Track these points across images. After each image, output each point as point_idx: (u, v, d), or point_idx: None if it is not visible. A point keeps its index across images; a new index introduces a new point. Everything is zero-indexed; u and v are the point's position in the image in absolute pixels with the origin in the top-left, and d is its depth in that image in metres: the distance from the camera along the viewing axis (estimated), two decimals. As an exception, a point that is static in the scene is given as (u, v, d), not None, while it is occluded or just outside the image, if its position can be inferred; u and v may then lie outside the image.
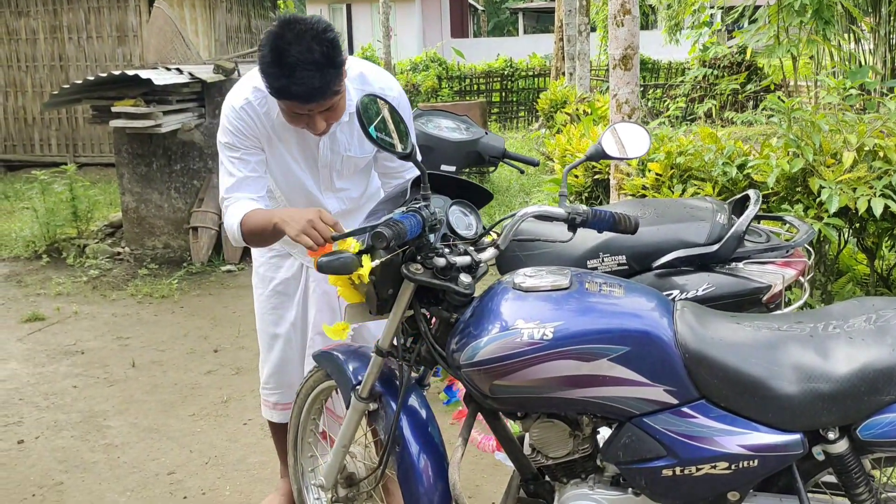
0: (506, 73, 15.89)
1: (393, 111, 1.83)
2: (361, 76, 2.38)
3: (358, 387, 2.19)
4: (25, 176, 9.77)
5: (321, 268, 1.93)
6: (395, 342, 2.07)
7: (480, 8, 37.90)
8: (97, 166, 10.16)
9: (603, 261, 2.88)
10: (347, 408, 2.24)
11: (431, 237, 1.87)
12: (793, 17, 4.94)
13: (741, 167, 3.80)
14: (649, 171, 4.11)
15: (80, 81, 5.88)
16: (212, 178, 6.27)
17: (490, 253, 2.02)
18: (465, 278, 1.94)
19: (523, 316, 1.84)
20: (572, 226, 2.04)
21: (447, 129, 3.27)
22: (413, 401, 2.20)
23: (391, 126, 1.81)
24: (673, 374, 1.79)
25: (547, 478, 2.07)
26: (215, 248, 6.22)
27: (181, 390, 3.97)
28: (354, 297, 2.04)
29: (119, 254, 6.49)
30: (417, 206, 1.85)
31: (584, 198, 5.25)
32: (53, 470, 3.25)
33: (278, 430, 2.81)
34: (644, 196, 4.16)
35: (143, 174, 6.32)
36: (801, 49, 5.48)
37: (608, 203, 4.92)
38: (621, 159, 2.35)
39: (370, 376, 2.15)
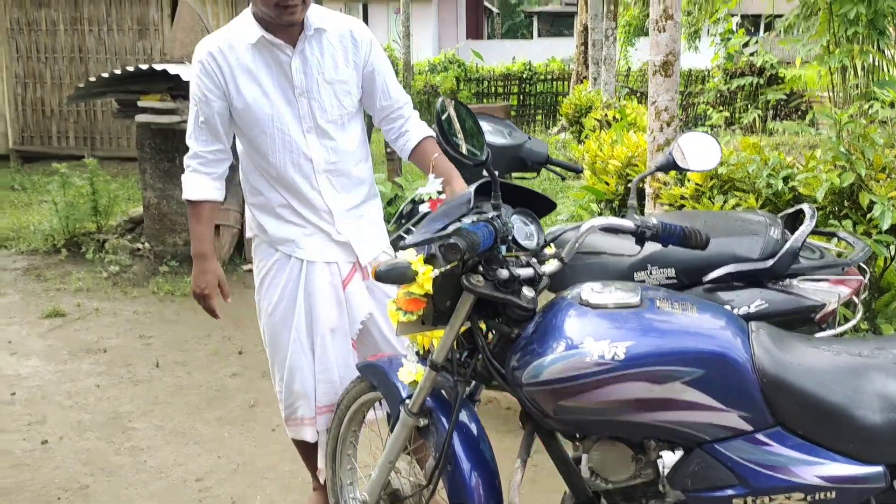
0: (524, 76, 15.81)
1: (470, 114, 1.75)
2: (327, 11, 2.46)
3: (408, 401, 2.10)
4: (43, 168, 9.75)
5: (379, 276, 1.86)
6: (450, 356, 1.99)
7: (495, 10, 37.85)
8: (115, 160, 10.11)
9: (651, 273, 2.80)
10: (395, 421, 2.16)
11: (503, 249, 1.79)
12: (845, 27, 4.85)
13: (786, 180, 3.70)
14: (689, 180, 4.02)
15: (106, 75, 5.81)
16: (234, 175, 6.17)
17: (553, 266, 1.93)
18: (527, 292, 1.86)
19: (592, 334, 1.75)
20: (640, 239, 1.95)
21: (489, 133, 3.18)
22: (464, 417, 2.12)
23: (467, 130, 1.73)
24: (748, 400, 1.70)
25: (603, 502, 1.98)
26: (237, 247, 6.14)
27: (207, 393, 3.90)
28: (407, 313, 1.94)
29: (139, 250, 6.42)
30: (489, 216, 1.76)
31: (614, 207, 5.16)
32: (78, 473, 3.17)
33: (305, 444, 2.71)
34: (682, 207, 4.07)
35: (165, 170, 6.24)
36: (854, 59, 5.38)
37: (642, 214, 4.83)
38: (692, 171, 2.25)
39: (422, 391, 2.07)
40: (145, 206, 6.40)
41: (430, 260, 1.86)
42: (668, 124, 4.27)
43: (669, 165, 2.18)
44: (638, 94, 14.06)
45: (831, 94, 7.85)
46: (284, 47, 2.36)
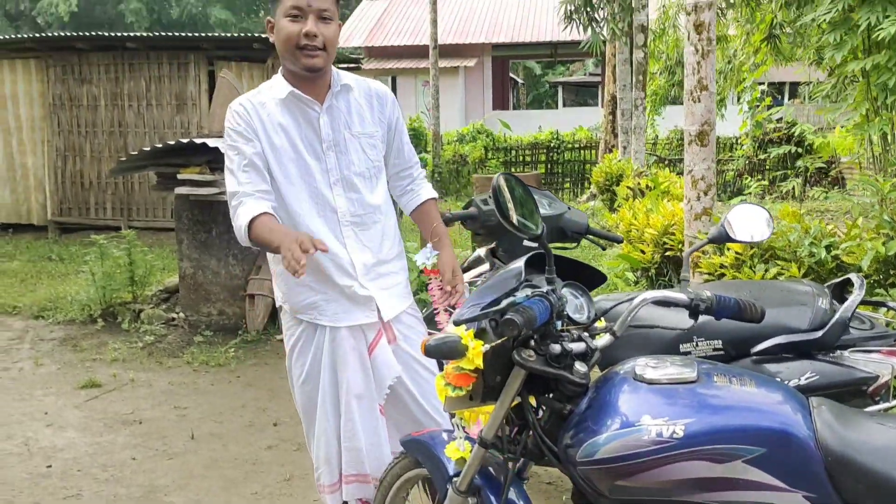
0: (552, 144, 15.96)
1: (525, 189, 1.75)
2: (352, 74, 2.58)
3: (455, 479, 2.06)
4: (80, 239, 9.93)
5: (428, 352, 1.83)
6: (500, 433, 1.95)
7: (520, 81, 38.48)
8: (150, 230, 10.27)
9: (697, 345, 2.75)
10: (442, 500, 2.11)
11: (559, 324, 1.76)
12: (884, 95, 4.87)
13: (829, 248, 3.66)
14: (728, 249, 3.99)
15: (148, 149, 5.95)
16: (269, 245, 6.25)
17: (605, 339, 1.90)
18: (580, 367, 1.83)
19: (649, 411, 1.71)
20: (694, 313, 1.92)
21: (530, 203, 3.18)
22: (513, 495, 2.06)
23: (522, 204, 1.72)
24: (813, 479, 1.64)
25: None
26: (271, 317, 6.16)
27: (242, 466, 3.85)
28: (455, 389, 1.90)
29: (174, 320, 6.46)
30: (544, 290, 1.75)
31: (651, 275, 5.12)
32: (114, 549, 3.13)
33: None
34: (722, 276, 4.03)
35: (202, 241, 6.32)
36: (893, 127, 5.37)
37: (679, 282, 4.78)
38: (744, 243, 2.23)
39: (470, 468, 2.02)
40: (181, 276, 6.46)
41: (480, 334, 1.83)
42: (706, 193, 4.26)
43: (722, 238, 2.15)
44: (667, 162, 14.12)
45: (870, 161, 7.82)
46: (312, 103, 2.44)
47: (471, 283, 3.13)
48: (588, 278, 2.04)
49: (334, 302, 2.49)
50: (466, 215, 3.04)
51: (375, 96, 2.56)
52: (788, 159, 13.39)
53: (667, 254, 4.78)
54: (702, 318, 2.36)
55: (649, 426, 1.67)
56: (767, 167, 13.48)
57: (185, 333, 6.19)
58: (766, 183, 11.04)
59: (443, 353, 1.81)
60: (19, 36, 10.95)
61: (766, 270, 3.78)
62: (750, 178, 12.02)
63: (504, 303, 1.71)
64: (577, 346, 1.84)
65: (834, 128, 13.58)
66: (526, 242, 3.12)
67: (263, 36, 9.70)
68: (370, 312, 2.53)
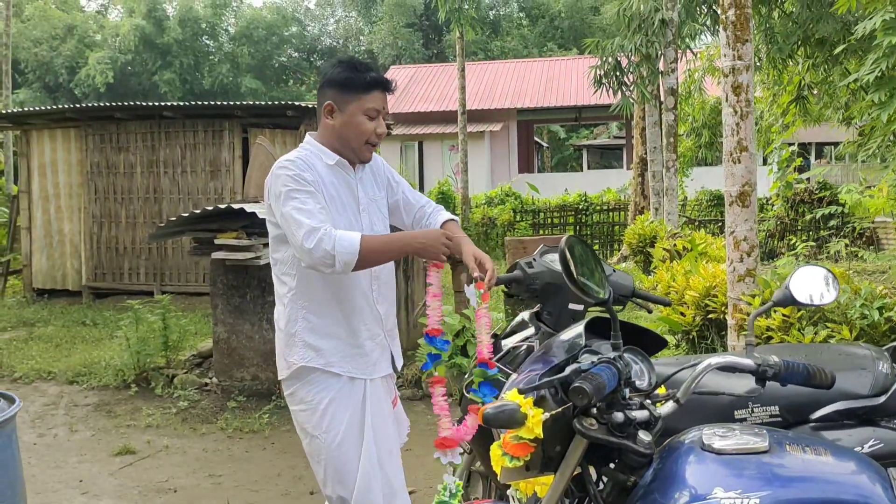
0: (580, 206, 15.97)
1: (591, 252, 1.71)
2: None
3: (511, 554, 1.97)
4: (113, 304, 10.00)
5: (487, 420, 1.78)
6: (560, 505, 1.87)
7: (545, 145, 38.82)
8: (183, 295, 10.32)
9: (753, 411, 2.66)
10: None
11: (626, 392, 1.70)
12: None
13: (881, 310, 3.57)
14: (776, 311, 3.90)
15: (186, 214, 6.01)
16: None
17: (668, 407, 1.83)
18: (644, 436, 1.76)
19: (721, 483, 1.63)
20: (761, 379, 1.85)
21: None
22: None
23: (589, 268, 1.69)
24: (897, 557, 1.55)
25: None
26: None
27: (280, 537, 3.76)
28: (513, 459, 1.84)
29: (207, 385, 6.43)
30: (611, 356, 1.69)
31: (692, 337, 5.02)
32: None
33: None
34: (770, 339, 3.93)
35: (236, 305, 6.33)
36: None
37: (722, 346, 4.69)
38: (810, 307, 2.16)
39: (528, 543, 1.94)
40: (215, 341, 6.46)
41: (539, 402, 1.78)
42: (749, 254, 4.20)
43: (787, 301, 2.09)
44: (697, 224, 14.05)
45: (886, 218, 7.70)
46: (350, 170, 2.67)
47: (514, 350, 3.07)
48: (647, 343, 1.98)
49: (367, 355, 2.62)
50: (511, 278, 3.00)
51: (372, 165, 2.78)
52: (821, 220, 13.26)
53: (709, 316, 4.69)
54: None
55: (722, 500, 1.60)
56: (799, 227, 13.35)
57: (219, 399, 6.15)
58: (811, 244, 10.90)
59: (502, 421, 1.76)
60: (60, 107, 11.23)
61: (816, 333, 3.68)
62: (795, 238, 11.87)
63: (568, 370, 1.66)
64: (641, 414, 1.77)
65: (866, 187, 13.47)
66: (572, 305, 3.09)
67: (296, 104, 9.90)
68: (388, 364, 2.70)
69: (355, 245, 2.38)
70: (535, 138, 34.53)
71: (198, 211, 5.97)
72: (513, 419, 1.76)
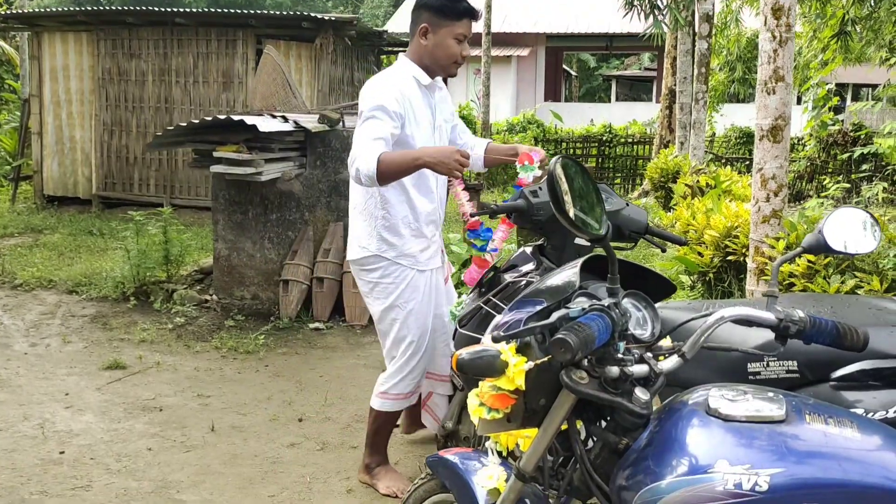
0: (604, 138, 15.51)
1: (591, 179, 1.45)
2: None
3: (488, 512, 1.77)
4: (121, 215, 9.84)
5: (461, 366, 1.55)
6: (541, 465, 1.66)
7: (574, 73, 37.85)
8: (192, 209, 10.15)
9: (768, 365, 2.42)
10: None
11: (621, 346, 1.46)
12: None
13: (917, 261, 3.28)
14: (801, 256, 3.62)
15: (184, 124, 5.75)
16: (307, 230, 6.03)
17: (672, 362, 1.60)
18: (641, 394, 1.53)
19: (726, 455, 1.40)
20: (782, 335, 1.61)
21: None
22: (553, 535, 1.77)
23: (583, 197, 1.42)
24: (928, 552, 1.32)
25: None
26: (304, 304, 5.94)
27: (262, 464, 3.62)
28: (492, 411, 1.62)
29: (206, 302, 6.28)
30: (604, 303, 1.45)
31: (708, 279, 4.76)
32: (118, 549, 2.91)
33: (384, 418, 3.29)
34: (792, 286, 3.67)
35: (237, 222, 6.13)
36: None
37: (740, 289, 4.43)
38: (846, 254, 1.89)
39: (505, 502, 1.73)
40: (216, 258, 6.28)
41: (523, 349, 1.55)
42: (776, 194, 3.90)
43: (820, 247, 1.82)
44: (724, 161, 13.60)
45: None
46: (434, 93, 3.14)
47: (512, 284, 2.84)
48: (652, 287, 1.73)
49: (428, 248, 3.17)
50: (513, 207, 2.75)
51: (445, 91, 3.25)
52: (852, 164, 12.79)
53: (728, 258, 4.42)
54: (772, 334, 2.04)
55: (725, 474, 1.37)
56: (830, 170, 12.89)
57: (217, 317, 6.00)
58: (846, 185, 10.45)
59: (478, 369, 1.53)
60: (71, 9, 10.87)
61: (843, 282, 3.41)
62: (828, 180, 11.39)
63: (555, 316, 1.42)
64: (639, 369, 1.54)
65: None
66: (578, 240, 2.83)
67: (313, 15, 9.50)
68: (440, 256, 3.29)
69: (373, 164, 2.70)
70: (564, 66, 33.65)
71: (196, 121, 5.70)
72: (491, 367, 1.53)
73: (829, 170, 12.89)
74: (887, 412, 2.26)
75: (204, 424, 4.04)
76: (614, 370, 1.50)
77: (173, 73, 10.24)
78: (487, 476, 1.81)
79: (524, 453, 1.68)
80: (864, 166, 12.23)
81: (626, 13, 8.01)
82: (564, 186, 1.34)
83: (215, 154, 5.48)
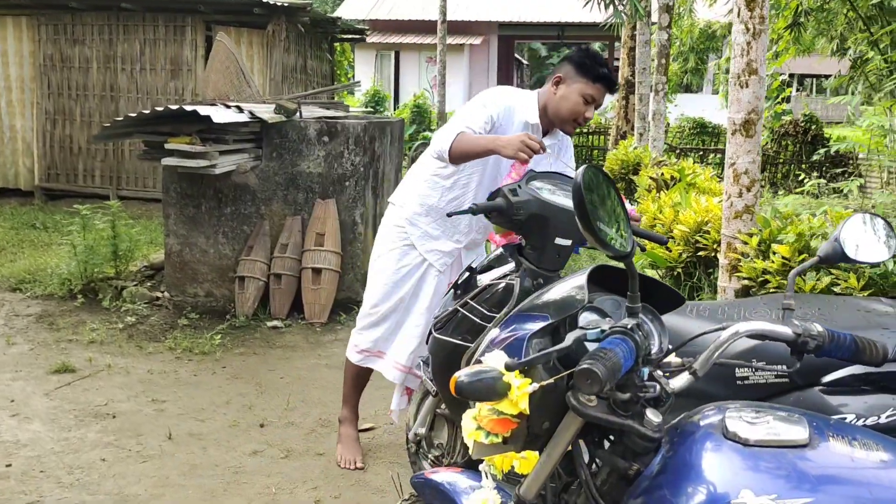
0: (559, 128, 15.47)
1: (616, 189, 1.33)
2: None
3: (482, 540, 1.65)
4: (66, 208, 9.45)
5: (460, 390, 1.42)
6: (543, 492, 1.54)
7: (525, 62, 37.88)
8: (139, 201, 9.81)
9: (755, 370, 2.35)
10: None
11: (645, 372, 1.35)
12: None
13: None
14: (774, 253, 3.57)
15: (134, 114, 5.49)
16: (263, 224, 5.83)
17: (683, 381, 1.49)
18: (652, 416, 1.42)
19: (750, 485, 1.30)
20: (799, 350, 1.51)
21: (563, 194, 2.76)
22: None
23: (612, 212, 1.30)
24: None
25: None
26: (262, 301, 5.74)
27: (223, 474, 3.45)
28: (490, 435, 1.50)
29: (158, 299, 6.04)
30: (626, 324, 1.33)
31: (677, 274, 4.71)
32: (72, 572, 2.73)
33: (352, 371, 3.47)
34: (766, 283, 3.62)
35: (190, 216, 5.90)
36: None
37: (709, 284, 4.38)
38: (862, 263, 1.80)
39: (503, 531, 1.62)
40: (167, 253, 6.04)
41: (526, 370, 1.42)
42: (749, 189, 3.84)
43: (837, 256, 1.73)
44: (677, 151, 13.68)
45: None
46: (537, 131, 3.06)
47: (491, 287, 2.72)
48: (659, 298, 1.62)
49: (448, 254, 3.23)
50: (493, 207, 2.61)
51: (559, 143, 3.18)
52: (803, 153, 12.98)
53: (698, 253, 4.37)
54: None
55: (751, 506, 1.27)
56: (781, 161, 13.06)
57: (170, 315, 5.77)
58: (822, 181, 10.54)
59: (479, 392, 1.41)
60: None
61: (818, 279, 3.37)
62: (803, 175, 11.43)
63: (571, 339, 1.29)
64: (650, 389, 1.43)
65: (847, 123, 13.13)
66: (558, 240, 2.71)
67: (264, 0, 9.22)
68: (458, 269, 3.21)
69: (450, 139, 2.81)
70: (516, 55, 33.62)
71: (147, 111, 5.45)
72: (492, 391, 1.41)
73: (780, 160, 13.06)
74: (879, 418, 2.21)
75: (160, 432, 3.85)
76: (625, 392, 1.38)
77: (119, 60, 9.87)
78: (482, 500, 1.69)
79: (524, 479, 1.56)
80: (815, 157, 12.41)
81: (586, 2, 7.93)
82: (593, 198, 1.22)
83: (167, 146, 5.25)
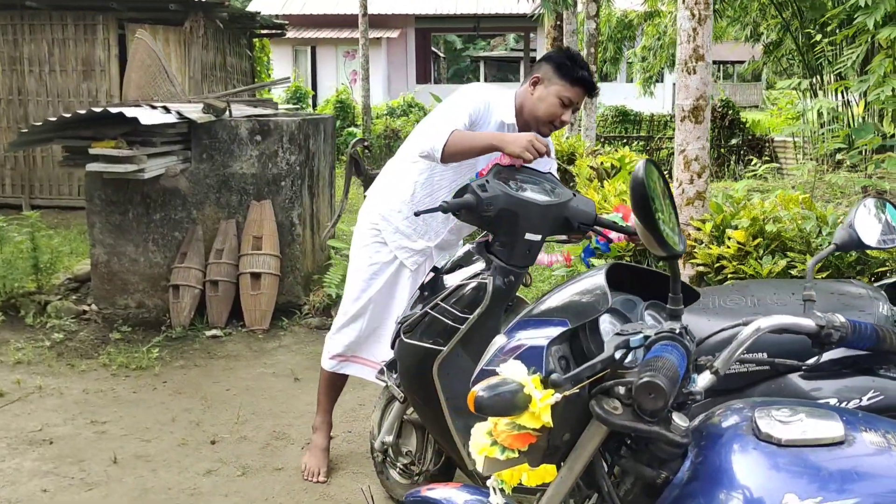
0: (483, 120, 15.48)
1: (668, 186, 1.24)
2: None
3: (493, 563, 1.56)
4: (-25, 219, 8.91)
5: (480, 406, 1.32)
6: (565, 507, 1.46)
7: (442, 55, 37.90)
8: (55, 209, 9.31)
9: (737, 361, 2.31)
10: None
11: (695, 379, 1.26)
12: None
13: (848, 239, 3.28)
14: (729, 238, 3.58)
15: (54, 118, 5.16)
16: (196, 230, 5.58)
17: (706, 380, 1.42)
18: (680, 420, 1.34)
19: (793, 488, 1.24)
20: (822, 343, 1.46)
21: (531, 189, 2.68)
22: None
23: (667, 211, 1.21)
24: None
25: None
26: (198, 310, 5.49)
27: (177, 498, 3.25)
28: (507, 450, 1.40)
29: (85, 313, 5.71)
30: (674, 329, 1.24)
31: (625, 261, 4.70)
32: None
33: (328, 378, 3.35)
34: (722, 268, 3.63)
35: (116, 224, 5.60)
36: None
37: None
38: (878, 249, 1.77)
39: (519, 552, 1.52)
40: (93, 264, 5.72)
41: (550, 381, 1.33)
42: (700, 175, 3.85)
43: (853, 244, 1.69)
44: (602, 140, 13.84)
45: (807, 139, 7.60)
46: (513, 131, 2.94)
47: (461, 287, 2.62)
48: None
49: (419, 253, 3.12)
50: (462, 204, 2.51)
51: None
52: (722, 138, 13.31)
53: (648, 241, 4.37)
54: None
55: (797, 512, 1.21)
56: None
57: (100, 329, 5.47)
58: (775, 165, 10.74)
59: (500, 407, 1.30)
60: None
61: (775, 263, 3.38)
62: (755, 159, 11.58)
63: (613, 349, 1.20)
64: (696, 396, 1.35)
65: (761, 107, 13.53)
66: (528, 236, 2.63)
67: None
68: (427, 266, 3.09)
69: (444, 138, 2.70)
70: (432, 48, 33.59)
71: (68, 115, 5.13)
72: (512, 406, 1.31)
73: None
74: (861, 400, 2.20)
75: (104, 456, 3.61)
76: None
77: (26, 61, 9.35)
78: (492, 520, 1.59)
79: (541, 495, 1.47)
80: (733, 141, 12.74)
81: (513, -7, 7.88)
82: (654, 196, 1.13)
83: (91, 151, 4.94)
